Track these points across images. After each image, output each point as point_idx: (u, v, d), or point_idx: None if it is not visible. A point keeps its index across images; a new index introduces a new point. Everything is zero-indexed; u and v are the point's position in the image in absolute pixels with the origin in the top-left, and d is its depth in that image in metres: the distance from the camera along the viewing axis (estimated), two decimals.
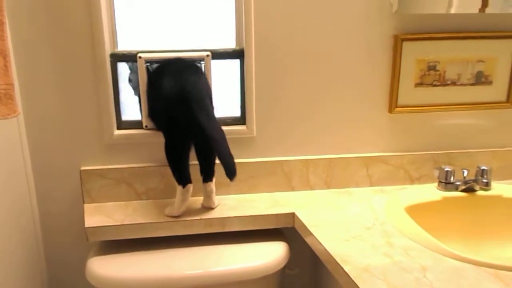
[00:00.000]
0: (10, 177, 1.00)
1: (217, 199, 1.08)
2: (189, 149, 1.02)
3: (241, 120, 1.15)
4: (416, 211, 1.00)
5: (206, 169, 1.05)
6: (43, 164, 1.10)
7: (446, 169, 1.09)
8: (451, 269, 0.78)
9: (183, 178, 1.01)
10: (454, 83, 1.16)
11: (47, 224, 1.14)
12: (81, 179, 1.10)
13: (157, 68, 1.06)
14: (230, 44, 1.12)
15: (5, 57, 0.80)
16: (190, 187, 1.02)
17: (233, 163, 0.98)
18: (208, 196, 1.06)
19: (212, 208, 1.07)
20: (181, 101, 0.96)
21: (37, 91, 1.05)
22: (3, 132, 0.98)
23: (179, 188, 1.01)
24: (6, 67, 0.80)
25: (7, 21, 0.82)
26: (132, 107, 1.12)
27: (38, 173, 1.10)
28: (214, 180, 1.06)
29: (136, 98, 1.12)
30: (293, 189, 1.17)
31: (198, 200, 1.09)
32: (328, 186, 1.18)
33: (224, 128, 1.05)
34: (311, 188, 1.18)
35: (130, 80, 1.12)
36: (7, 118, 0.79)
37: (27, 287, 1.06)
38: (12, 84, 0.81)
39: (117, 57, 1.08)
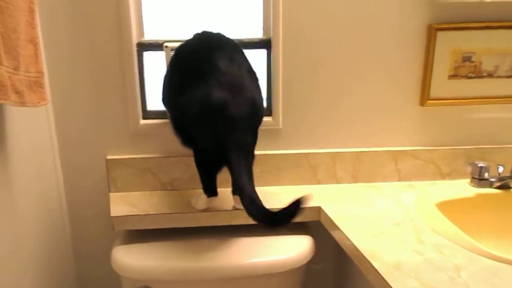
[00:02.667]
0: (40, 166, 1.01)
1: None
2: (221, 167, 0.92)
3: (267, 111, 1.13)
4: (447, 207, 0.97)
5: (235, 184, 0.96)
6: (70, 153, 1.11)
7: (479, 165, 1.05)
8: (487, 269, 0.75)
9: (208, 190, 0.99)
10: (490, 75, 1.11)
11: (75, 212, 1.15)
12: (107, 168, 1.10)
13: (180, 55, 0.94)
14: (257, 33, 1.10)
15: (35, 45, 0.80)
16: (214, 199, 1.00)
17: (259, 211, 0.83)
18: (238, 203, 1.00)
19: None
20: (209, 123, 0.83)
21: (65, 80, 1.06)
22: (33, 121, 0.98)
23: (203, 196, 0.99)
24: (36, 54, 0.80)
25: (37, 10, 0.82)
26: (157, 96, 1.12)
27: (66, 162, 1.11)
28: None
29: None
30: (319, 182, 1.15)
31: (226, 192, 1.07)
32: (355, 180, 1.15)
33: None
34: (338, 182, 1.15)
35: None
36: (37, 106, 0.80)
37: (54, 274, 1.07)
38: (42, 72, 0.82)
39: (143, 47, 1.08)
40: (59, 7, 1.01)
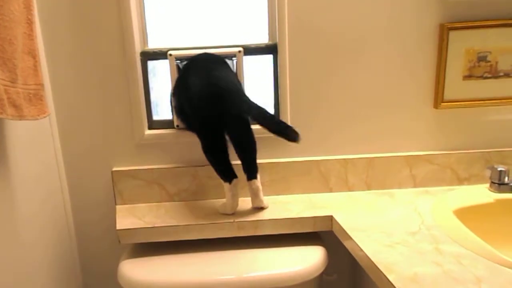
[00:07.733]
0: (44, 179, 1.00)
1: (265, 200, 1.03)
2: (227, 144, 0.97)
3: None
4: (466, 214, 0.92)
5: (248, 165, 0.99)
6: (75, 166, 1.09)
7: (499, 169, 1.00)
8: (510, 281, 0.70)
9: (227, 175, 0.98)
10: (507, 75, 1.06)
11: (81, 225, 1.13)
12: (113, 180, 1.08)
13: (183, 66, 1.03)
14: (262, 38, 1.08)
15: (35, 57, 0.78)
16: (237, 181, 0.99)
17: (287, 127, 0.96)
18: (255, 194, 1.01)
19: (263, 208, 1.03)
20: (214, 99, 0.93)
21: (69, 91, 1.05)
22: (36, 133, 0.97)
23: (226, 185, 0.99)
24: (36, 67, 0.78)
25: (36, 21, 0.81)
26: (163, 106, 1.10)
27: (71, 174, 1.10)
28: (259, 177, 1.00)
29: (167, 97, 1.09)
30: (330, 191, 1.11)
31: (243, 201, 1.04)
32: (368, 187, 1.11)
33: (257, 126, 1.00)
34: (350, 189, 1.12)
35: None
36: (37, 119, 0.78)
37: None
38: (41, 84, 0.80)
39: (147, 55, 1.06)
40: (60, 18, 1.00)
